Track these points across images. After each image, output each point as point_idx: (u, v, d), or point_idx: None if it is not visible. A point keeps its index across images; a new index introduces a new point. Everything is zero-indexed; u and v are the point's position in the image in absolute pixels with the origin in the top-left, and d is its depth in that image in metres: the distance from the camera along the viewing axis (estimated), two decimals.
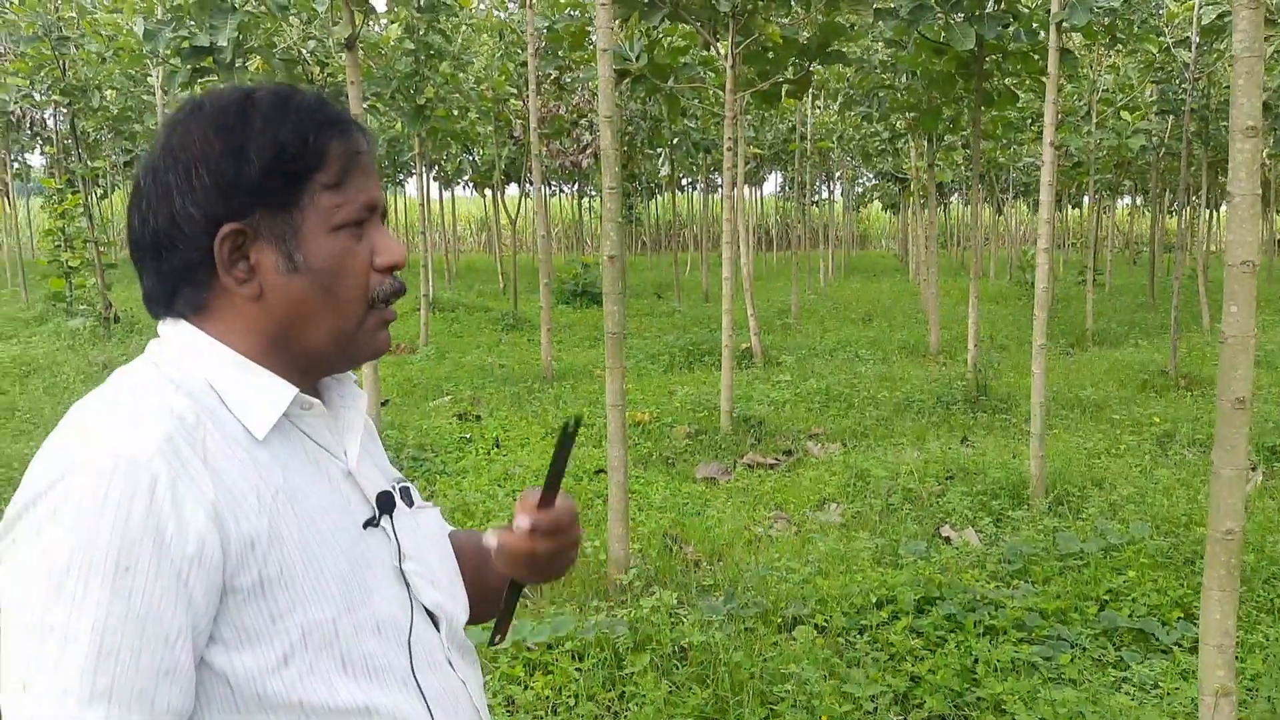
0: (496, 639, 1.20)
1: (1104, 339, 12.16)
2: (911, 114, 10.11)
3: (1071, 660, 3.50)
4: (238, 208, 0.97)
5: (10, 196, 19.88)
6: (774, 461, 6.51)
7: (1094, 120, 12.00)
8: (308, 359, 1.03)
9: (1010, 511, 5.23)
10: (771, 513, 5.43)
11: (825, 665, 3.45)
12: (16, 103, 14.12)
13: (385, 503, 1.08)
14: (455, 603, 1.13)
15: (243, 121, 0.99)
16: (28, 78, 11.91)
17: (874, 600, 3.95)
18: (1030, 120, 12.79)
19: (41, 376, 9.40)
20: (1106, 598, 3.99)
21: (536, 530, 1.10)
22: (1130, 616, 3.80)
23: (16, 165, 20.67)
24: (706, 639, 3.54)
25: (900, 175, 18.44)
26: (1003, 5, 7.28)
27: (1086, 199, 19.75)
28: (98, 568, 0.84)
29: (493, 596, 1.22)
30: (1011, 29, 7.42)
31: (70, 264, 13.09)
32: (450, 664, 1.10)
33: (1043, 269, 5.50)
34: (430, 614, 1.08)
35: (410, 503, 1.13)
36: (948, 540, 4.89)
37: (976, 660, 3.51)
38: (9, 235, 21.27)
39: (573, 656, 3.53)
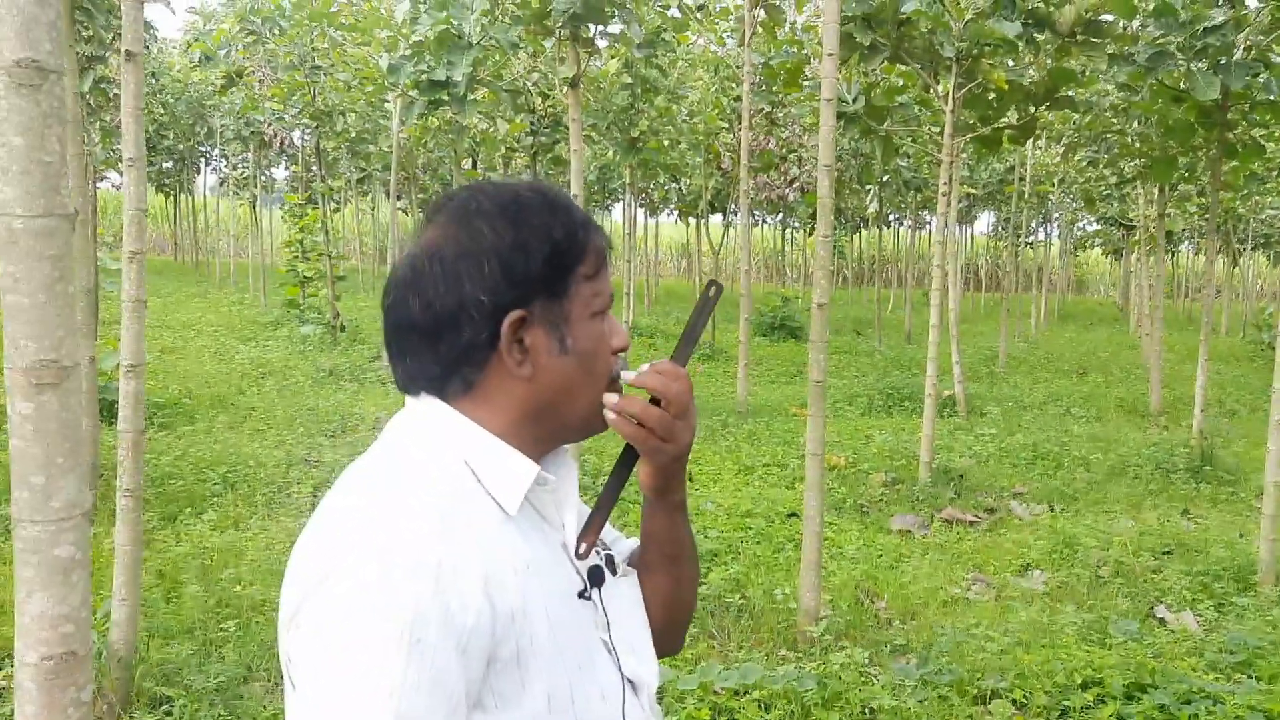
0: (584, 545, 1.12)
1: None
2: (1143, 161, 9.59)
3: None
4: (521, 296, 1.05)
5: (257, 208, 21.64)
6: (974, 519, 6.29)
7: None
8: (555, 433, 1.11)
9: (1234, 597, 4.86)
10: (970, 574, 5.25)
11: None
12: (270, 123, 15.38)
13: (596, 576, 1.13)
14: (651, 671, 1.18)
15: (523, 216, 1.07)
16: (282, 101, 12.95)
17: (1079, 680, 3.75)
18: (1277, 171, 11.89)
19: (276, 378, 10.17)
20: None
21: (661, 371, 1.12)
22: None
23: (264, 179, 22.49)
24: (898, 704, 3.47)
25: (1126, 221, 17.50)
26: (1252, 53, 6.82)
27: None
28: (394, 641, 0.90)
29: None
30: (1261, 78, 6.94)
31: (305, 274, 14.12)
32: None
33: None
34: (631, 683, 1.13)
35: (614, 571, 1.18)
36: (1162, 622, 4.59)
37: None
38: (254, 243, 23.14)
39: (759, 706, 3.52)
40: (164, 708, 3.41)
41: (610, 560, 1.18)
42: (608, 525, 1.26)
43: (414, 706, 0.90)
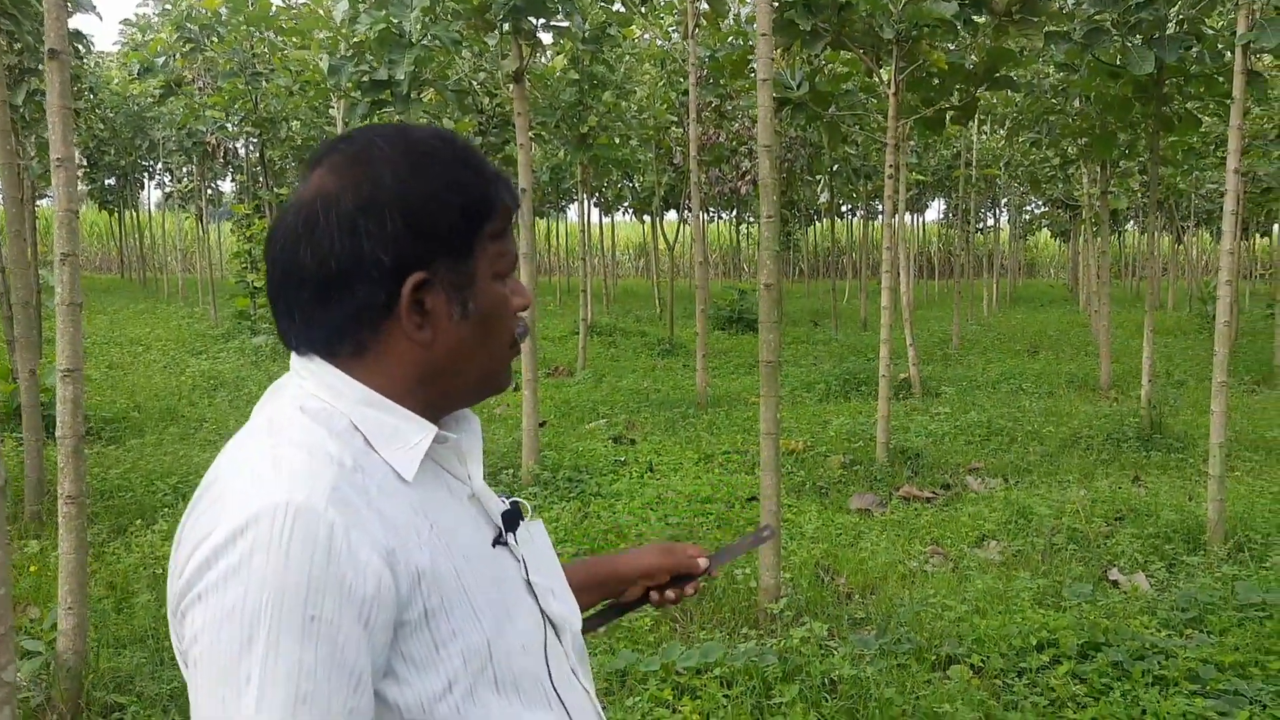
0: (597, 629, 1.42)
1: None
2: (1084, 140, 9.74)
3: (1250, 716, 3.28)
4: (424, 255, 0.99)
5: (203, 221, 21.37)
6: (931, 495, 6.35)
7: None
8: (449, 398, 1.06)
9: (1185, 557, 4.95)
10: (927, 547, 5.30)
11: (981, 707, 3.35)
12: (212, 133, 15.18)
13: (510, 521, 1.11)
14: (572, 611, 1.17)
15: (431, 167, 1.00)
16: (223, 110, 12.79)
17: (1034, 643, 3.80)
18: (1214, 145, 12.12)
19: (227, 390, 10.04)
20: None
21: (694, 588, 1.42)
22: None
23: (209, 191, 22.21)
24: (858, 673, 3.49)
25: (1071, 202, 17.76)
26: (1185, 27, 6.95)
27: (1276, 227, 18.52)
28: (288, 618, 0.86)
29: None
30: (1194, 51, 7.07)
31: (255, 284, 13.95)
32: (575, 674, 1.13)
33: (1224, 301, 5.21)
34: (554, 624, 1.11)
35: (523, 516, 1.16)
36: (1115, 584, 4.66)
37: (1144, 711, 3.33)
38: (202, 257, 22.83)
39: (721, 683, 3.53)
40: (115, 715, 3.36)
41: (519, 506, 1.15)
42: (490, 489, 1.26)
43: (315, 686, 0.86)
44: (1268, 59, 9.65)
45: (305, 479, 0.91)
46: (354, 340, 1.00)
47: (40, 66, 8.49)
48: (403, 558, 0.93)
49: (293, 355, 1.04)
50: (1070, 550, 5.12)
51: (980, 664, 3.71)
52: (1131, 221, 26.80)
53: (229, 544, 0.88)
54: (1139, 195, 17.40)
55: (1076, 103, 9.38)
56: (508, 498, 1.16)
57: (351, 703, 0.88)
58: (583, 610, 1.36)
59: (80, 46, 9.06)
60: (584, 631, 1.23)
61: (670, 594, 1.41)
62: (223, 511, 0.90)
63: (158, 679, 3.51)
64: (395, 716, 0.94)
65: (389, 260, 0.97)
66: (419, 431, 1.01)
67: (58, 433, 3.36)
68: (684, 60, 11.82)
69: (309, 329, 1.00)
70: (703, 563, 1.41)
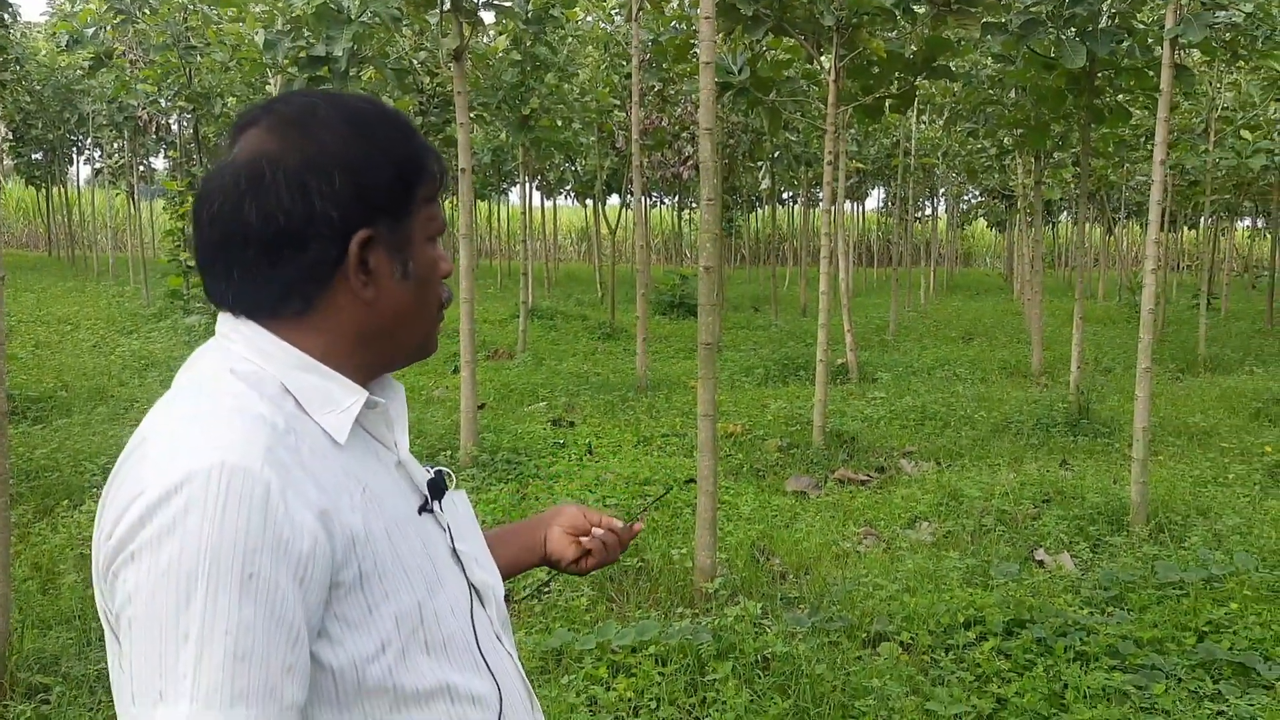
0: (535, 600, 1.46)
1: (1217, 365, 11.72)
2: (1019, 130, 9.91)
3: (1166, 691, 3.40)
4: (369, 214, 1.01)
5: (135, 198, 20.85)
6: (866, 478, 6.45)
7: (1212, 139, 11.59)
8: (385, 360, 1.08)
9: (1108, 538, 5.10)
10: (861, 529, 5.39)
11: (909, 682, 3.43)
12: (144, 108, 14.81)
13: (436, 489, 1.13)
14: (495, 579, 1.19)
15: (369, 129, 1.03)
16: (156, 84, 12.47)
17: (962, 620, 3.89)
18: (1144, 138, 12.41)
19: (159, 370, 9.83)
20: (1206, 629, 3.86)
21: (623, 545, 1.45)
22: (1231, 649, 3.67)
23: (141, 168, 21.68)
24: (790, 650, 3.55)
25: (1007, 192, 18.09)
26: (1116, 21, 7.11)
27: (1203, 220, 19.05)
28: (225, 576, 0.86)
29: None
30: (1125, 44, 7.24)
31: (188, 263, 13.66)
32: (499, 638, 1.15)
33: (1149, 290, 5.36)
34: (478, 592, 1.13)
35: (446, 486, 1.18)
36: (1041, 564, 4.79)
37: (1066, 686, 3.43)
38: (133, 235, 22.29)
39: (656, 660, 3.56)
40: (40, 696, 3.30)
41: (442, 475, 1.16)
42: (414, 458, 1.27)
43: (253, 643, 0.87)
44: (1195, 54, 9.90)
45: (240, 440, 0.91)
46: (301, 297, 1.01)
47: None
48: (337, 519, 0.94)
49: (221, 318, 1.04)
50: (999, 531, 5.24)
51: (909, 641, 3.79)
52: (1065, 212, 27.38)
53: (162, 502, 0.88)
54: (1072, 186, 17.78)
55: (1012, 94, 9.54)
56: (432, 467, 1.17)
57: (290, 660, 0.89)
58: (514, 572, 1.41)
59: (6, 15, 8.78)
60: (529, 598, 1.30)
61: (599, 532, 1.41)
62: (154, 471, 0.90)
63: (84, 659, 3.45)
64: (328, 677, 0.95)
65: (337, 217, 0.99)
66: (350, 395, 1.03)
67: None
68: (627, 44, 11.79)
69: (252, 287, 1.01)
70: (617, 521, 1.44)
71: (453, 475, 1.19)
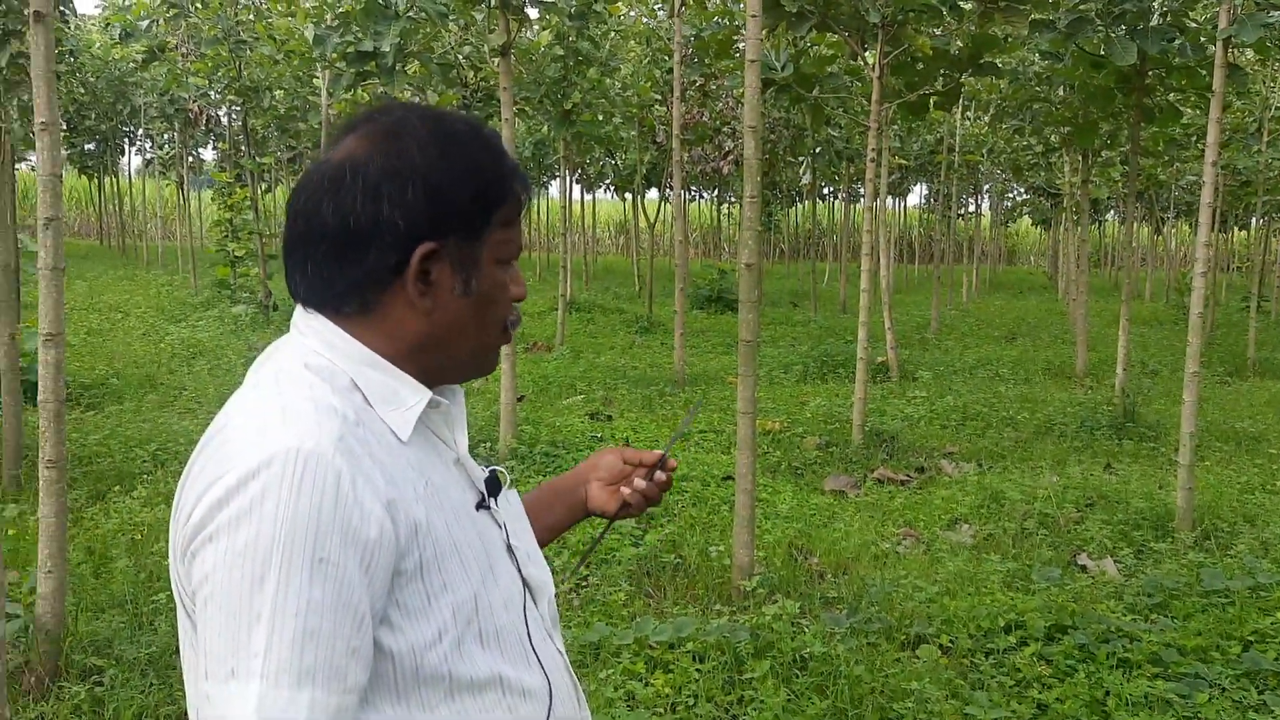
0: (583, 567, 1.45)
1: (1267, 369, 11.52)
2: (1067, 128, 9.80)
3: (1209, 700, 3.36)
4: (438, 228, 1.04)
5: (184, 188, 21.15)
6: (905, 478, 6.43)
7: (1265, 138, 11.38)
8: (441, 370, 1.12)
9: (1153, 544, 5.04)
10: (900, 529, 5.37)
11: (948, 685, 3.42)
12: (194, 100, 15.03)
13: (492, 486, 1.17)
14: (546, 576, 1.22)
15: (457, 148, 1.06)
16: (206, 77, 12.66)
17: (1002, 624, 3.88)
18: (1195, 137, 12.21)
19: (207, 358, 10.00)
20: (1252, 638, 3.81)
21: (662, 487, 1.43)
22: (1276, 659, 3.62)
23: (191, 159, 21.99)
24: (828, 650, 3.55)
25: (1053, 190, 17.87)
26: (1168, 19, 7.00)
27: (1255, 221, 18.71)
28: (297, 558, 0.90)
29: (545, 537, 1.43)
30: (1177, 43, 7.12)
31: (236, 253, 13.87)
32: (549, 635, 1.18)
33: (1198, 293, 5.29)
34: (530, 588, 1.16)
35: (503, 483, 1.22)
36: (1084, 569, 4.75)
37: (1108, 693, 3.41)
38: (182, 225, 22.63)
39: (693, 658, 3.59)
40: (94, 678, 3.38)
41: (498, 474, 1.20)
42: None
43: (321, 624, 0.90)
44: (1249, 53, 9.73)
45: (313, 428, 0.95)
46: (360, 299, 1.05)
47: (22, 29, 8.38)
48: (402, 508, 0.98)
49: (296, 310, 1.10)
50: (1041, 535, 5.20)
51: (949, 644, 3.78)
52: (1112, 211, 26.98)
53: (241, 486, 0.92)
54: (1120, 185, 17.52)
55: (1060, 91, 9.43)
56: (487, 466, 1.21)
57: (355, 642, 0.93)
58: (560, 532, 1.47)
59: (64, 10, 8.95)
60: (580, 562, 1.35)
61: (639, 483, 1.42)
62: (234, 456, 0.95)
63: (136, 643, 3.53)
64: (388, 662, 0.99)
65: (404, 226, 1.03)
66: (415, 394, 1.07)
67: (39, 397, 3.37)
68: (669, 39, 11.79)
69: (320, 283, 1.06)
70: (655, 453, 1.44)
71: (507, 475, 1.23)
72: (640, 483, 1.42)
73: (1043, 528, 5.31)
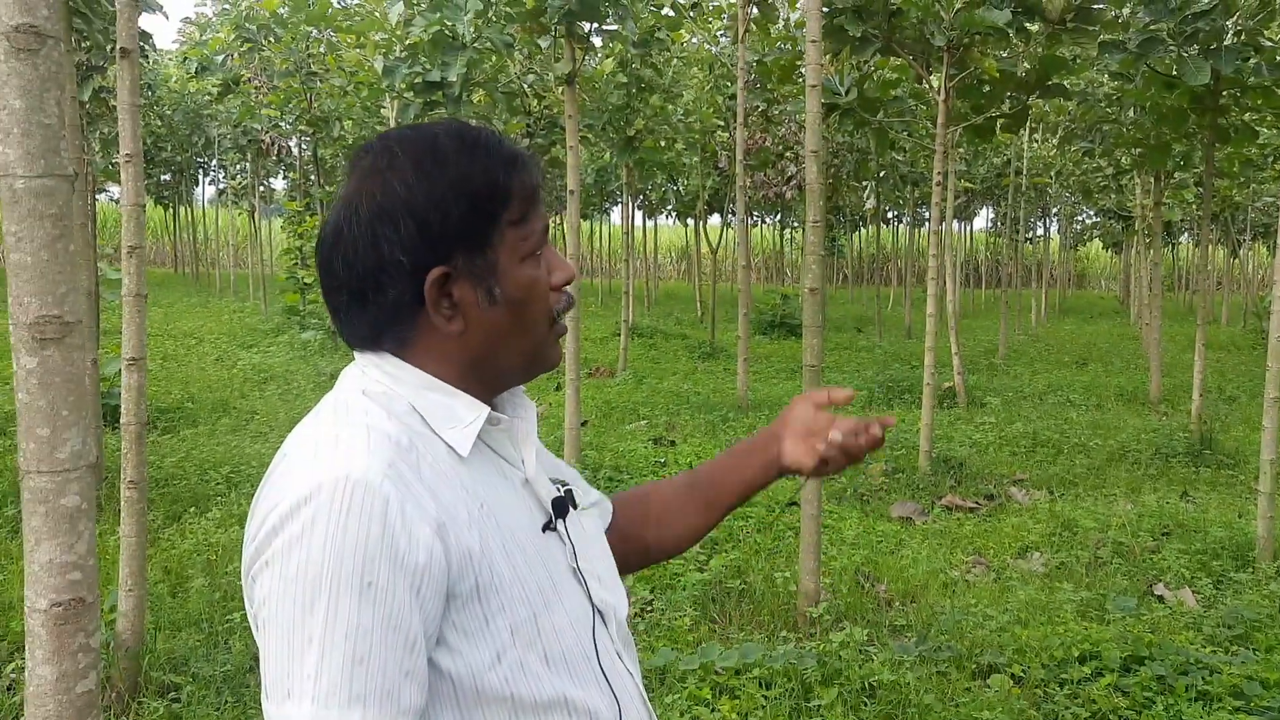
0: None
1: None
2: (1138, 150, 9.63)
3: None
4: (442, 252, 1.04)
5: (255, 217, 21.71)
6: (974, 505, 6.33)
7: None
8: (498, 379, 1.12)
9: (1232, 574, 4.90)
10: (969, 557, 5.29)
11: (1021, 716, 3.35)
12: (267, 131, 15.45)
13: (560, 507, 1.16)
14: (619, 599, 1.21)
15: (439, 169, 1.05)
16: (278, 109, 13.01)
17: (1076, 654, 3.79)
18: (1272, 157, 11.93)
19: (277, 383, 10.22)
20: None
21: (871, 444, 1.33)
22: None
23: (262, 188, 22.56)
24: (897, 679, 3.51)
25: (1124, 213, 17.54)
26: (1243, 38, 6.86)
27: None
28: (345, 583, 0.92)
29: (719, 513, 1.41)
30: (1252, 62, 6.97)
31: (305, 280, 14.17)
32: (620, 657, 1.17)
33: (1278, 316, 5.14)
34: (599, 611, 1.16)
35: (574, 505, 1.21)
36: (1160, 599, 4.62)
37: None
38: (253, 252, 23.20)
39: (760, 684, 3.56)
40: (171, 695, 3.46)
41: (570, 495, 1.20)
42: (571, 470, 1.31)
43: (370, 648, 0.92)
44: None
45: (363, 455, 0.97)
46: (395, 337, 1.07)
47: (104, 64, 8.69)
48: (453, 532, 0.99)
49: (355, 351, 1.12)
50: (1115, 564, 5.08)
51: (1021, 674, 3.71)
52: (1186, 234, 26.40)
53: (293, 513, 0.95)
54: (1194, 207, 17.15)
55: (1131, 112, 9.28)
56: (562, 486, 1.21)
57: (407, 665, 0.95)
58: (755, 490, 1.41)
59: (145, 46, 9.28)
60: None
61: (836, 436, 1.32)
62: (289, 483, 0.97)
63: (212, 661, 3.61)
64: (448, 683, 1.00)
65: (408, 261, 1.04)
66: (472, 412, 1.08)
67: (122, 419, 3.47)
68: (732, 64, 11.84)
69: (355, 328, 1.09)
70: (845, 391, 1.36)
71: (580, 495, 1.23)
72: (837, 435, 1.31)
73: (1117, 556, 5.19)
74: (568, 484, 1.23)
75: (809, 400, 1.37)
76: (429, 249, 1.04)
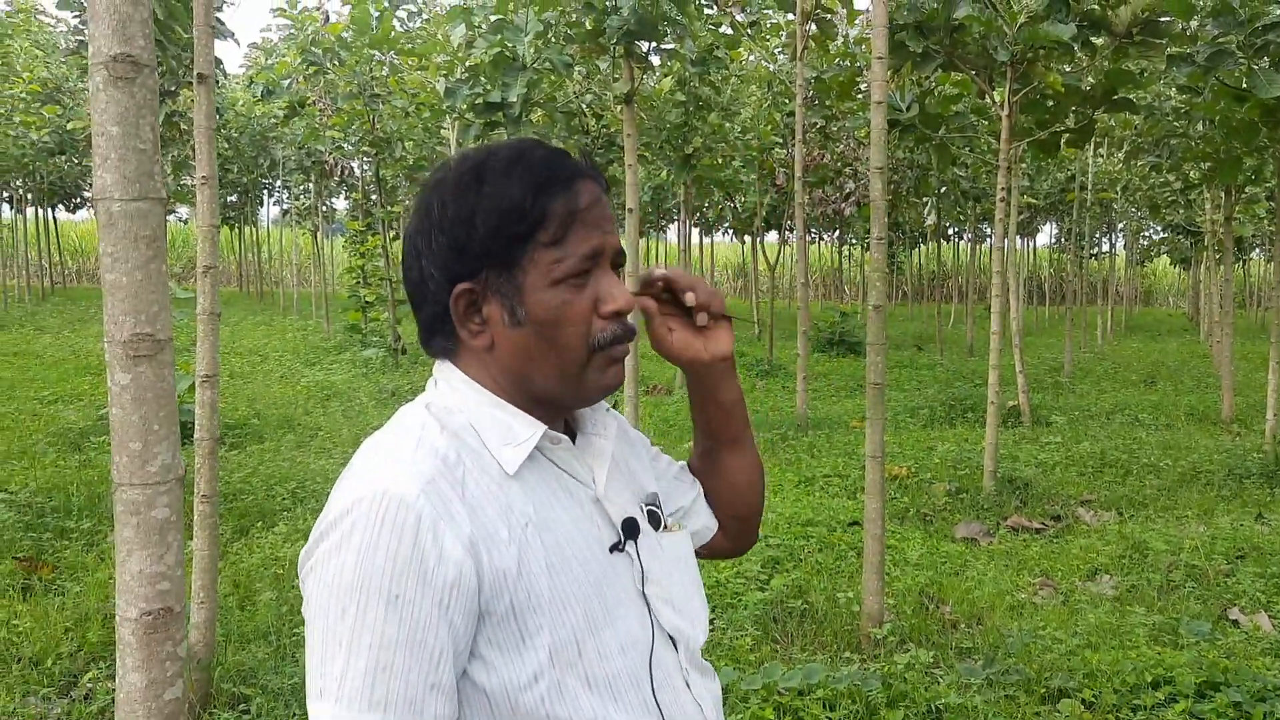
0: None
1: None
2: (1207, 164, 9.43)
3: None
4: (470, 269, 1.08)
5: (318, 237, 22.11)
6: (1041, 526, 6.21)
7: None
8: (543, 399, 1.12)
9: None
10: (1036, 579, 5.19)
11: None
12: (330, 152, 15.74)
13: (630, 528, 1.15)
14: (695, 626, 1.20)
15: (475, 189, 1.07)
16: (342, 130, 13.26)
17: (1149, 680, 3.70)
18: None
19: (340, 400, 10.37)
20: None
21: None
22: None
23: (325, 208, 22.98)
24: (964, 702, 3.45)
25: (1192, 228, 17.18)
26: None
27: None
28: (374, 593, 0.96)
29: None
30: None
31: (367, 299, 14.39)
32: (688, 684, 1.16)
33: None
34: (670, 636, 1.15)
35: (657, 525, 1.20)
36: (1236, 624, 4.50)
37: None
38: (316, 271, 23.62)
39: (824, 705, 3.52)
40: (241, 707, 3.52)
41: (654, 515, 1.19)
42: (677, 486, 1.31)
43: (394, 658, 0.95)
44: None
45: (405, 470, 1.01)
46: (444, 345, 1.13)
47: (176, 89, 8.94)
48: (487, 550, 1.00)
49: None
50: (1188, 588, 4.96)
51: (1092, 699, 3.63)
52: (1257, 249, 25.75)
53: (336, 523, 0.99)
54: (1265, 222, 16.74)
55: (1200, 126, 9.10)
56: (649, 504, 1.20)
57: (432, 678, 0.97)
58: (722, 416, 1.39)
59: (218, 71, 9.53)
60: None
61: (648, 301, 1.27)
62: (339, 494, 1.02)
63: (280, 674, 3.66)
64: (483, 698, 1.02)
65: (439, 275, 1.09)
66: (528, 429, 1.09)
67: (195, 435, 3.56)
68: (790, 82, 11.83)
69: (419, 333, 1.16)
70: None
71: (666, 518, 1.23)
72: (650, 301, 1.26)
73: (1190, 580, 5.06)
74: (654, 504, 1.22)
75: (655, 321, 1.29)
76: (457, 264, 1.08)
